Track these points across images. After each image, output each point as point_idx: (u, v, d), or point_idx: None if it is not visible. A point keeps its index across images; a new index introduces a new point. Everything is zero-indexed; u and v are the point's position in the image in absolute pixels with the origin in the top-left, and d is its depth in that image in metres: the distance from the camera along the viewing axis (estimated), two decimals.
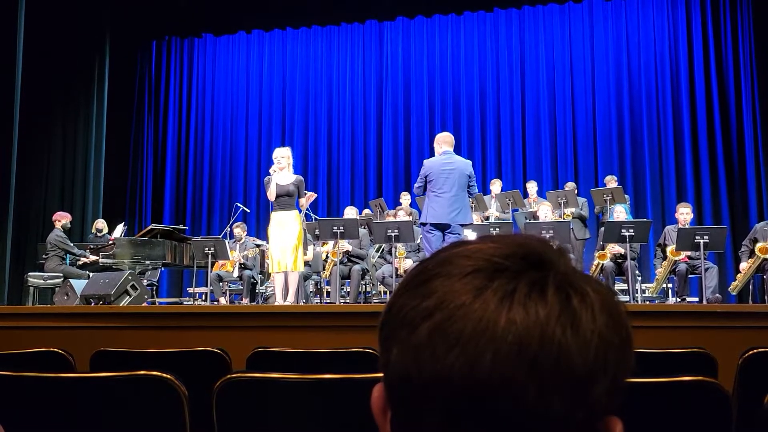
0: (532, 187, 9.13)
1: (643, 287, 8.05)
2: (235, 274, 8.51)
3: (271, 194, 6.16)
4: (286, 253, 6.07)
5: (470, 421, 0.47)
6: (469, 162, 6.06)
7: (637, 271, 7.74)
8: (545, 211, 7.81)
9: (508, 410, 0.46)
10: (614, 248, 7.32)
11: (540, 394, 0.46)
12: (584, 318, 0.49)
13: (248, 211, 10.26)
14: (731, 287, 7.26)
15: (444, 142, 6.05)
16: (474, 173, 6.01)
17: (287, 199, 6.14)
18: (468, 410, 0.47)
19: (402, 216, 7.98)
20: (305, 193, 6.34)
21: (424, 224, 5.98)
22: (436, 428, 0.48)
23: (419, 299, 0.51)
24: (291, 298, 6.06)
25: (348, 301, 7.76)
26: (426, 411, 0.49)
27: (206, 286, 8.94)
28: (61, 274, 8.15)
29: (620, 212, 7.73)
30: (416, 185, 6.14)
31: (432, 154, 10.64)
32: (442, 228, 5.84)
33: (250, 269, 8.49)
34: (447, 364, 0.47)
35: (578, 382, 0.47)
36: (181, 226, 9.72)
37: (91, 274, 7.69)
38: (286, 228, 6.11)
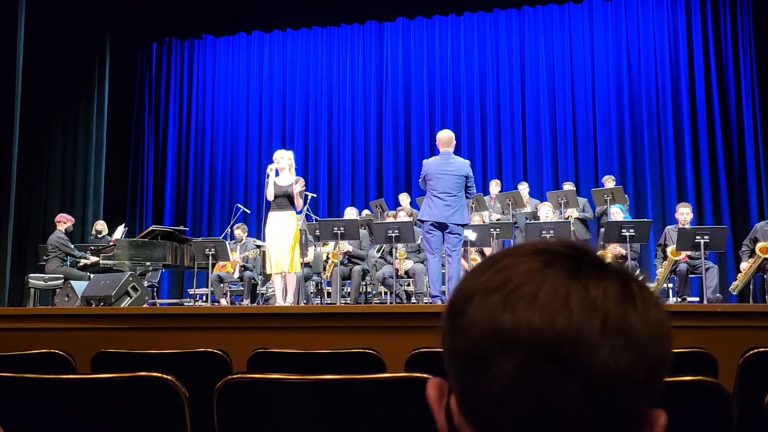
0: (524, 188, 9.11)
1: None
2: (236, 275, 8.51)
3: (270, 194, 6.18)
4: (282, 254, 6.08)
5: (550, 362, 0.52)
6: (467, 162, 6.04)
7: (637, 271, 7.72)
8: (546, 212, 7.80)
9: (583, 361, 0.52)
10: (616, 249, 7.31)
11: (611, 351, 0.52)
12: (641, 298, 0.55)
13: (248, 212, 10.26)
14: (732, 287, 7.26)
15: (442, 142, 6.05)
16: (472, 173, 5.99)
17: (285, 200, 6.15)
18: (546, 358, 0.52)
19: (402, 217, 7.98)
20: (306, 194, 6.34)
21: (422, 221, 5.98)
22: (512, 376, 0.52)
23: (491, 273, 0.56)
24: (290, 299, 6.07)
25: (348, 301, 7.76)
26: (504, 360, 0.53)
27: (207, 287, 8.94)
28: (61, 276, 8.15)
29: (617, 213, 7.70)
30: (420, 181, 6.16)
31: (431, 154, 10.67)
32: (442, 228, 5.84)
33: (251, 270, 8.50)
34: (526, 318, 0.52)
35: (638, 343, 0.53)
36: (181, 228, 9.73)
37: (91, 276, 7.70)
38: (282, 228, 6.12)
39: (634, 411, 0.54)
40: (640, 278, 0.58)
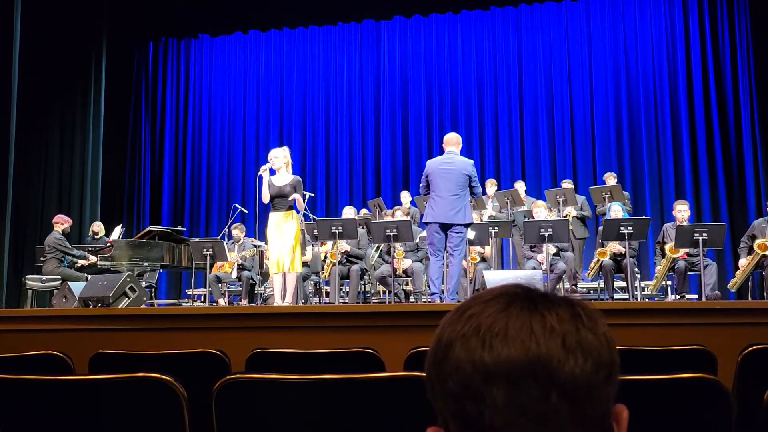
0: (520, 187, 9.11)
1: (643, 285, 8.05)
2: (234, 275, 8.50)
3: (264, 196, 6.12)
4: (283, 253, 6.06)
5: (531, 383, 0.62)
6: (470, 162, 6.00)
7: (636, 269, 7.74)
8: (539, 211, 7.79)
9: (556, 374, 0.62)
10: (615, 247, 7.30)
11: (575, 362, 0.63)
12: (586, 316, 0.67)
13: (246, 212, 10.24)
14: (730, 284, 7.25)
15: (446, 142, 6.06)
16: (476, 173, 5.99)
17: (284, 200, 6.10)
18: (527, 379, 0.62)
19: (400, 215, 7.98)
20: (303, 194, 6.31)
21: (427, 224, 5.98)
22: (504, 401, 0.62)
23: (463, 322, 0.66)
24: (289, 299, 6.05)
25: (347, 301, 7.76)
26: (494, 390, 0.62)
27: (205, 287, 8.94)
28: (59, 277, 8.13)
29: (617, 211, 7.69)
30: (420, 185, 6.16)
31: (429, 153, 10.64)
32: (446, 228, 5.84)
33: (249, 270, 8.49)
34: (505, 352, 0.63)
35: (594, 352, 0.65)
36: (179, 228, 9.71)
37: (89, 277, 7.69)
38: (283, 228, 6.09)
39: (603, 408, 0.65)
40: (582, 300, 0.69)
